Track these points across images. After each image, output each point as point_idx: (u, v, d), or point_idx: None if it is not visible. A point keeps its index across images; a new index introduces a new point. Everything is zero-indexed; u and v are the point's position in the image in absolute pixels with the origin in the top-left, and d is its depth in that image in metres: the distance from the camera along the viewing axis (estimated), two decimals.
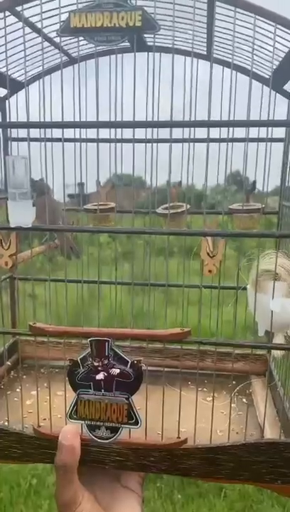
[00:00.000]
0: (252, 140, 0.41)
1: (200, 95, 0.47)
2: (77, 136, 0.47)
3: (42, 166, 0.49)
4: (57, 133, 0.50)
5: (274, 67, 0.47)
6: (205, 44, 0.57)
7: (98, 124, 0.44)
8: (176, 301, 0.60)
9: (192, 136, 0.54)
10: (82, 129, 0.49)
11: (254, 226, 0.56)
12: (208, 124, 0.42)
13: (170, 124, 0.42)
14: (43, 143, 0.48)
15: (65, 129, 0.47)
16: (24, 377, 0.67)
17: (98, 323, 0.45)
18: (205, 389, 0.63)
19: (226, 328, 0.59)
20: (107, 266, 0.60)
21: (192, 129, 0.54)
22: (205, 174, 0.42)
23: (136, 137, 0.51)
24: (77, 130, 0.48)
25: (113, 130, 0.48)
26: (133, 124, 0.44)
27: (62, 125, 0.44)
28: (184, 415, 0.47)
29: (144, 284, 0.55)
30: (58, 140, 0.44)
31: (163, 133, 0.50)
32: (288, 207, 0.59)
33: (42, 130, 0.47)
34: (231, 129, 0.54)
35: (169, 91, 0.52)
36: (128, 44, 0.43)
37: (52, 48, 0.55)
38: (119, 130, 0.51)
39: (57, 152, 0.51)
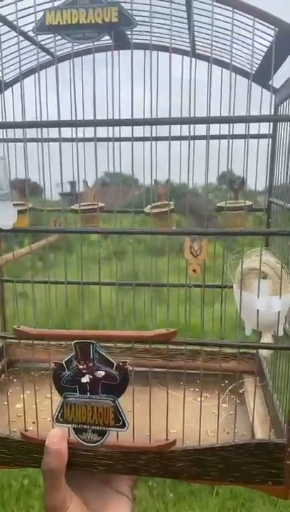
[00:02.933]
0: (234, 137, 0.40)
1: (187, 92, 0.46)
2: (62, 136, 0.47)
3: (25, 166, 0.48)
4: (47, 132, 0.49)
5: (255, 61, 0.46)
6: (189, 40, 0.56)
7: (79, 123, 0.44)
8: (166, 300, 0.59)
9: (178, 134, 0.53)
10: (67, 129, 0.48)
11: (242, 223, 0.55)
12: (191, 120, 0.42)
13: (153, 122, 0.41)
14: (35, 143, 0.48)
15: (54, 130, 0.47)
16: (15, 380, 0.66)
17: (82, 326, 0.45)
18: (196, 389, 0.62)
19: (217, 326, 0.58)
20: (98, 265, 0.59)
21: (178, 127, 0.53)
22: (187, 172, 0.41)
23: (121, 136, 0.51)
24: (64, 130, 0.48)
25: (101, 129, 0.48)
26: (115, 122, 0.44)
27: (42, 124, 0.43)
28: (175, 416, 0.46)
29: (129, 284, 0.54)
30: (37, 140, 0.43)
31: (149, 131, 0.50)
32: (276, 204, 0.59)
33: (24, 130, 0.46)
34: (219, 126, 0.53)
35: (155, 89, 0.51)
36: (110, 42, 0.42)
37: (34, 47, 0.54)
38: (104, 129, 0.51)
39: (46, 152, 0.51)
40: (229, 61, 0.57)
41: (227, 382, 0.63)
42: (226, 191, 0.62)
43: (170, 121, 0.41)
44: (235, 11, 0.36)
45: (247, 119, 0.39)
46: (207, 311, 0.56)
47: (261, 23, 0.39)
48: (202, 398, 0.53)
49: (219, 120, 0.40)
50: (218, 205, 0.58)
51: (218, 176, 0.60)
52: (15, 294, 0.51)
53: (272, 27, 0.37)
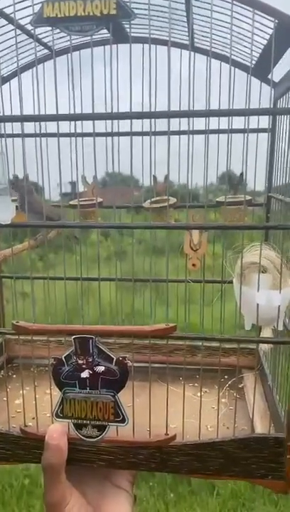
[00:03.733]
0: (233, 131, 0.40)
1: (186, 86, 0.46)
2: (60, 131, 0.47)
3: (23, 162, 0.48)
4: (45, 128, 0.49)
5: (255, 54, 0.46)
6: (187, 33, 0.56)
7: (77, 117, 0.43)
8: (166, 300, 0.59)
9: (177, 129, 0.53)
10: (66, 124, 0.48)
11: (241, 219, 0.55)
12: (190, 114, 0.42)
13: (151, 115, 0.41)
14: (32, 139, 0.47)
15: (51, 125, 0.47)
16: (14, 376, 0.66)
17: (82, 321, 0.45)
18: (195, 384, 0.62)
19: (217, 326, 0.58)
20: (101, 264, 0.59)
21: (177, 121, 0.53)
22: (187, 168, 0.41)
23: (120, 131, 0.50)
24: (61, 126, 0.47)
25: (100, 125, 0.47)
26: (113, 116, 0.43)
27: (40, 118, 0.43)
28: (175, 411, 0.46)
29: (128, 280, 0.54)
30: (36, 135, 0.43)
31: (148, 127, 0.49)
32: (275, 198, 0.59)
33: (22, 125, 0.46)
34: (218, 120, 0.53)
35: (153, 83, 0.51)
36: (108, 35, 0.42)
37: (32, 40, 0.54)
38: (103, 125, 0.51)
39: (45, 148, 0.50)
40: (228, 54, 0.57)
41: (226, 377, 0.63)
42: (226, 191, 0.62)
43: (169, 115, 0.40)
44: (234, 2, 0.36)
45: (246, 112, 0.39)
46: (207, 309, 0.56)
47: (260, 15, 0.38)
48: (202, 393, 0.53)
49: (219, 113, 0.40)
50: (217, 199, 0.58)
51: (217, 176, 0.60)
52: (14, 291, 0.51)
53: (272, 19, 0.37)
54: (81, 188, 0.65)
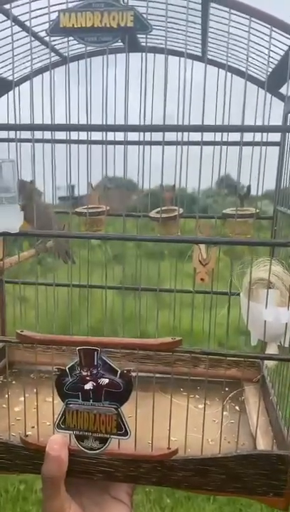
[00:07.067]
0: (246, 144, 0.39)
1: (196, 97, 0.46)
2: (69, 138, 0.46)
3: (32, 168, 0.48)
4: (48, 134, 0.48)
5: (270, 69, 0.46)
6: (201, 46, 0.56)
7: (89, 128, 0.43)
8: (168, 305, 0.59)
9: (185, 139, 0.53)
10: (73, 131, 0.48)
11: (248, 231, 0.55)
12: (202, 128, 0.41)
13: (163, 128, 0.41)
14: (35, 144, 0.47)
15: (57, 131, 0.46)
16: (13, 382, 0.65)
17: (87, 332, 0.44)
18: (197, 396, 0.61)
19: (220, 331, 0.57)
20: (99, 269, 0.59)
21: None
22: (199, 178, 0.41)
23: (128, 139, 0.50)
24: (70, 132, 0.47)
25: (105, 132, 0.47)
26: (126, 128, 0.43)
27: (52, 128, 0.43)
28: (176, 423, 0.46)
29: (135, 289, 0.54)
30: (48, 141, 0.42)
31: (157, 135, 0.49)
32: (283, 212, 0.58)
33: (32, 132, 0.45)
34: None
35: (164, 93, 0.51)
36: (121, 44, 0.42)
37: (44, 47, 0.54)
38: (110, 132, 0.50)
39: (48, 154, 0.50)
40: (238, 67, 0.57)
41: (227, 389, 0.63)
42: (226, 196, 0.61)
43: (181, 129, 0.40)
44: (252, 19, 0.36)
45: (260, 129, 0.39)
46: (207, 316, 0.55)
47: (276, 32, 0.38)
48: (203, 405, 0.53)
49: (230, 129, 0.39)
50: (224, 211, 0.58)
51: (218, 180, 0.59)
52: (20, 296, 0.50)
53: (289, 36, 0.37)
54: (82, 192, 0.64)
